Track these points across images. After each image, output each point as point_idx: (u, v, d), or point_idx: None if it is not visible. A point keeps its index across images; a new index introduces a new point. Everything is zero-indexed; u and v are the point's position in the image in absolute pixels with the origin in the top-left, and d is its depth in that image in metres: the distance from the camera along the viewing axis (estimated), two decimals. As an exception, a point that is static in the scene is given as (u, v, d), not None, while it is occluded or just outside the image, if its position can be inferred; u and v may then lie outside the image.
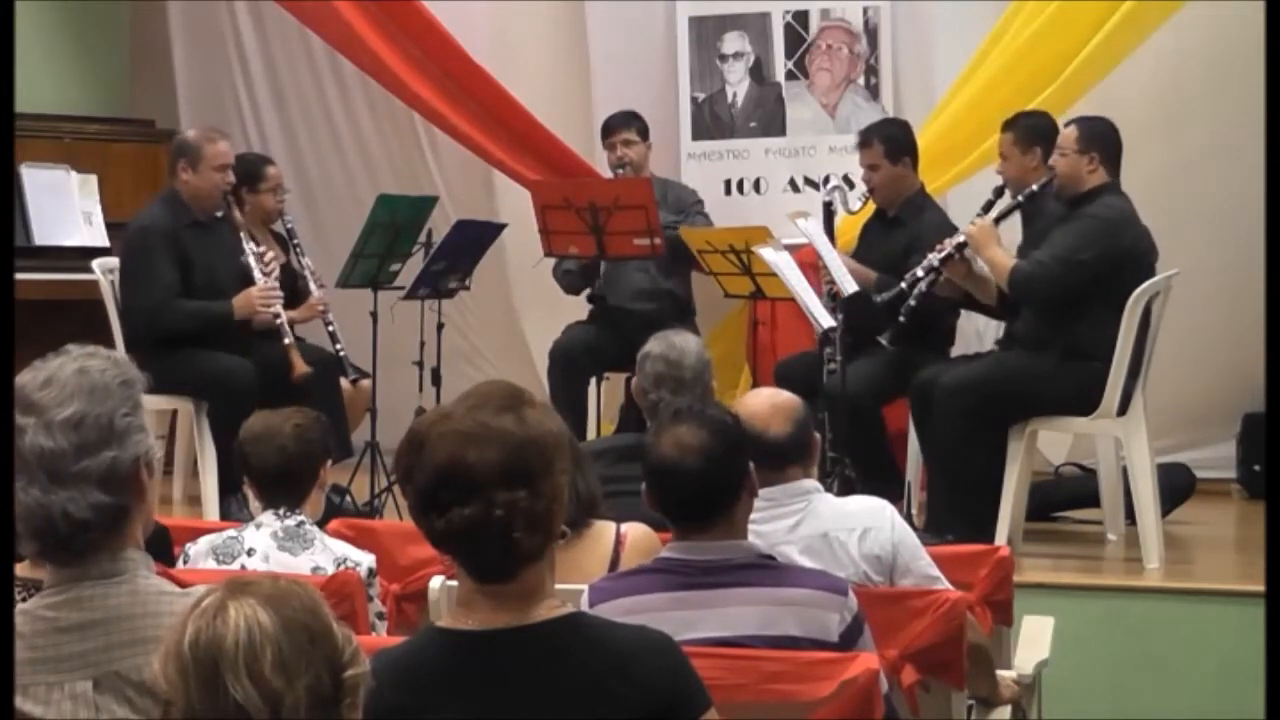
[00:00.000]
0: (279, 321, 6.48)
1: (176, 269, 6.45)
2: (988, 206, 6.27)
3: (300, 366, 6.42)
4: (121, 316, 6.67)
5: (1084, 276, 5.84)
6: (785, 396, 3.84)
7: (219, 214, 6.62)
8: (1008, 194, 6.28)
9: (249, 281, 6.54)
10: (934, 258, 6.16)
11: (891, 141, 6.71)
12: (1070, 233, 5.94)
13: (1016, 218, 6.35)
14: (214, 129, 6.89)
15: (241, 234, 6.65)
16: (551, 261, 7.33)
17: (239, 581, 1.98)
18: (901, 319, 6.15)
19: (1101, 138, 6.01)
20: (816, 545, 3.68)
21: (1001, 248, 6.08)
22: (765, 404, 3.78)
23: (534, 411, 2.36)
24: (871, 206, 6.85)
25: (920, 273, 6.19)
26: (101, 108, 8.60)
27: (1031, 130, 6.29)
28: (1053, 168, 6.04)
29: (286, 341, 6.47)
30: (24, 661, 2.26)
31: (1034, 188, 6.14)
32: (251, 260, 6.57)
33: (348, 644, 1.96)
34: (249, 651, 1.90)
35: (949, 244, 6.13)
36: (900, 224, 6.70)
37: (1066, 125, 6.09)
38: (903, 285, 6.18)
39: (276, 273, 6.65)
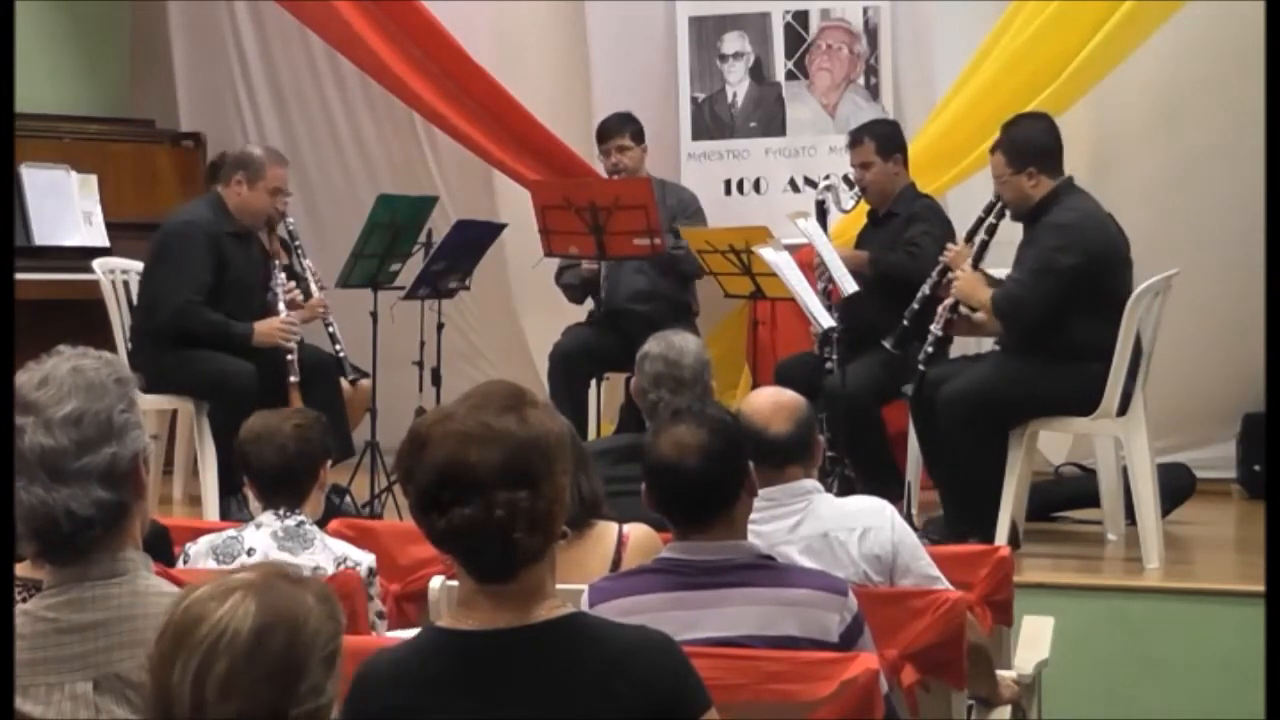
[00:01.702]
0: (290, 359, 6.49)
1: (211, 271, 6.47)
2: (978, 224, 6.21)
3: (296, 404, 6.41)
4: (142, 305, 6.66)
5: (1063, 283, 5.80)
6: (789, 396, 3.83)
7: (258, 231, 6.68)
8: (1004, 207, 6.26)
9: (272, 306, 6.57)
10: (935, 275, 6.20)
11: (883, 138, 6.76)
12: (1037, 246, 5.91)
13: (1015, 227, 6.34)
14: (279, 153, 6.95)
15: (274, 262, 6.69)
16: (552, 262, 7.34)
17: (270, 576, 2.00)
18: (906, 323, 6.22)
19: (1028, 147, 5.94)
20: (817, 545, 3.68)
21: (987, 290, 6.05)
22: (768, 402, 3.78)
23: (536, 412, 2.36)
24: (864, 206, 6.86)
25: (927, 290, 6.21)
26: (101, 108, 8.59)
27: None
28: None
29: (292, 379, 6.48)
30: (24, 663, 2.26)
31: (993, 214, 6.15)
32: (280, 293, 6.60)
33: (313, 694, 1.96)
34: (207, 653, 1.93)
35: (942, 309, 6.11)
36: (893, 215, 6.75)
37: (991, 152, 6.04)
38: (915, 305, 6.23)
39: (301, 310, 6.67)
